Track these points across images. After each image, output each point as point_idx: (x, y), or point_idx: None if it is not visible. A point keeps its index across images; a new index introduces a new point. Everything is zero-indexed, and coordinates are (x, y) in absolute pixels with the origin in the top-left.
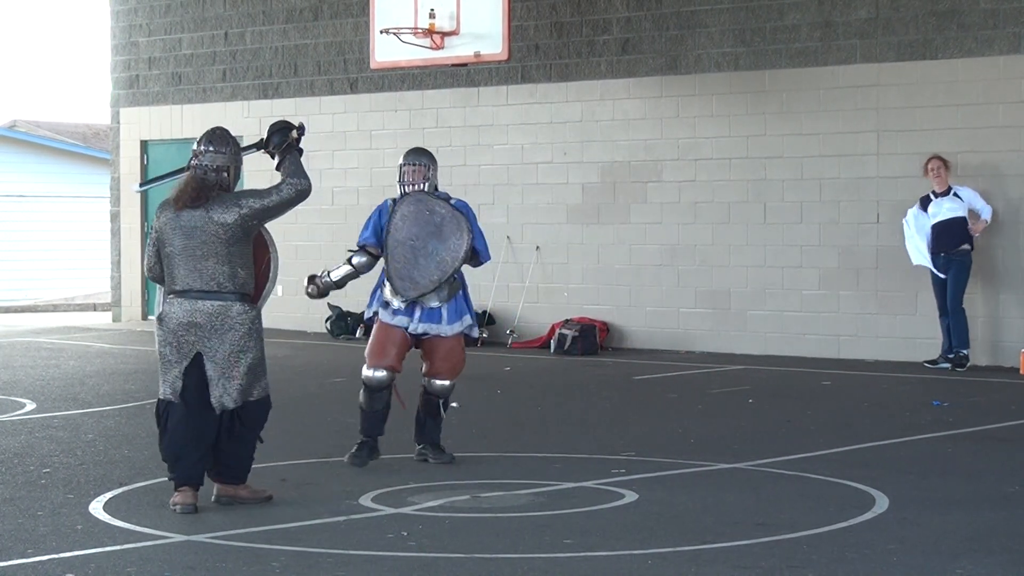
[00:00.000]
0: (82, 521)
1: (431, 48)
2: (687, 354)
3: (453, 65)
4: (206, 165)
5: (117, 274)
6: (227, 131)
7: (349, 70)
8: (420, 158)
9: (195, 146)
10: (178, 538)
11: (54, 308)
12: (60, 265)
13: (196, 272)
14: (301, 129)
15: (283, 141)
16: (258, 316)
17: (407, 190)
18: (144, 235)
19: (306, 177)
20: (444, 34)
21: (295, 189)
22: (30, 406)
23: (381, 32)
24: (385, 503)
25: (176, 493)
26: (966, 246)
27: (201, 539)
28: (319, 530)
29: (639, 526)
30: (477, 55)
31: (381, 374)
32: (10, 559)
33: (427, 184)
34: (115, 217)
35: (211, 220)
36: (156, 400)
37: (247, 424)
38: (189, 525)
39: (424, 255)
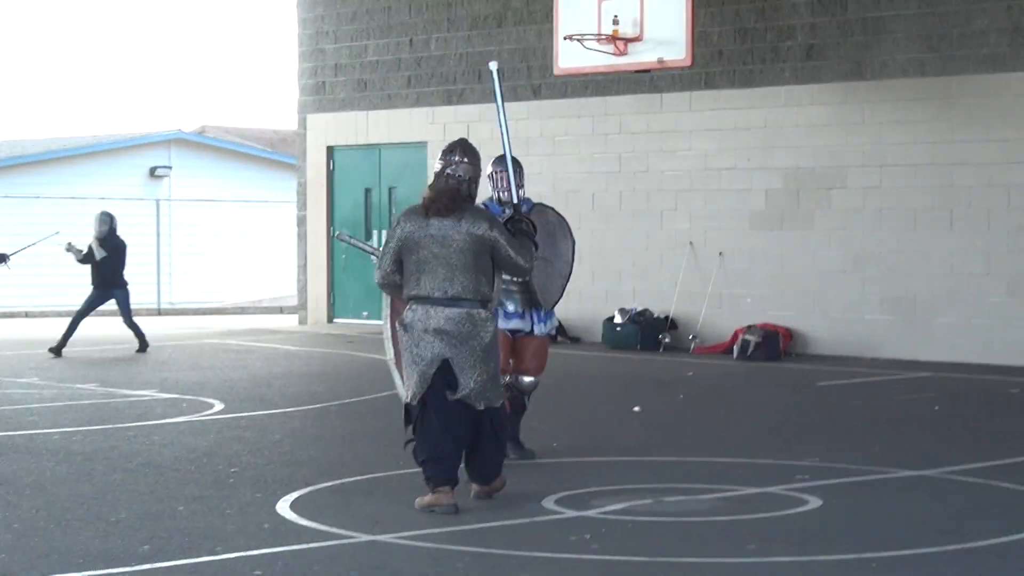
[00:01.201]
0: (269, 520)
1: (614, 54)
2: (871, 361)
3: (636, 71)
4: (459, 176)
5: (303, 277)
6: (471, 144)
7: (533, 76)
8: (515, 164)
9: (445, 155)
10: (363, 538)
11: (242, 311)
12: (247, 268)
13: (446, 280)
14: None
15: (521, 227)
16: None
17: (502, 196)
18: (330, 240)
19: (531, 263)
20: (628, 40)
21: (526, 263)
22: (218, 406)
23: (565, 39)
24: (568, 506)
25: (432, 495)
26: None
27: (386, 539)
28: (502, 532)
29: (823, 532)
30: (661, 61)
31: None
32: (199, 556)
33: (523, 190)
34: (302, 221)
35: (463, 230)
36: (404, 405)
37: (497, 426)
38: (374, 525)
39: (549, 264)
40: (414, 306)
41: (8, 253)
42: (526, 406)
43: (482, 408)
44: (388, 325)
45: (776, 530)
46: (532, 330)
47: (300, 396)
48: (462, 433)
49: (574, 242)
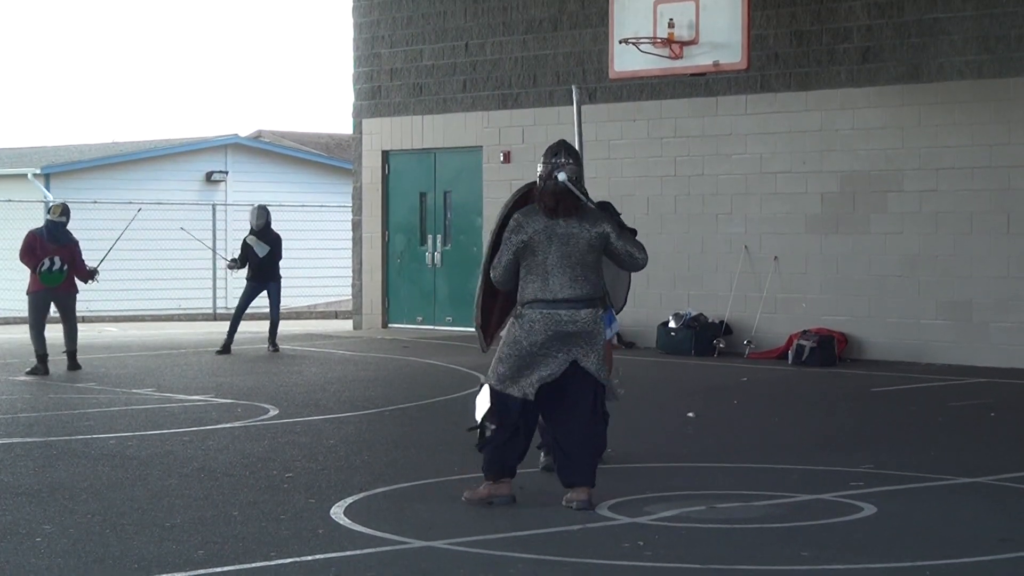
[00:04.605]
0: (323, 525)
1: (670, 58)
2: (927, 366)
3: (692, 75)
4: (567, 176)
5: (358, 282)
6: (572, 145)
7: (588, 80)
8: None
9: (550, 158)
10: (417, 544)
11: (296, 315)
12: (302, 273)
13: (572, 280)
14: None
15: (622, 224)
16: None
17: None
18: (385, 245)
19: (647, 256)
20: (683, 43)
21: (641, 255)
22: (273, 411)
23: (620, 42)
24: (621, 512)
25: (492, 484)
26: None
27: (440, 545)
28: (555, 538)
29: (878, 540)
30: (716, 64)
31: None
32: (253, 561)
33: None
34: (357, 226)
35: (585, 229)
36: (485, 386)
37: (598, 429)
38: (428, 531)
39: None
40: (539, 308)
41: (96, 267)
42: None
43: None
44: (478, 315)
45: (830, 537)
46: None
47: (355, 401)
48: (533, 427)
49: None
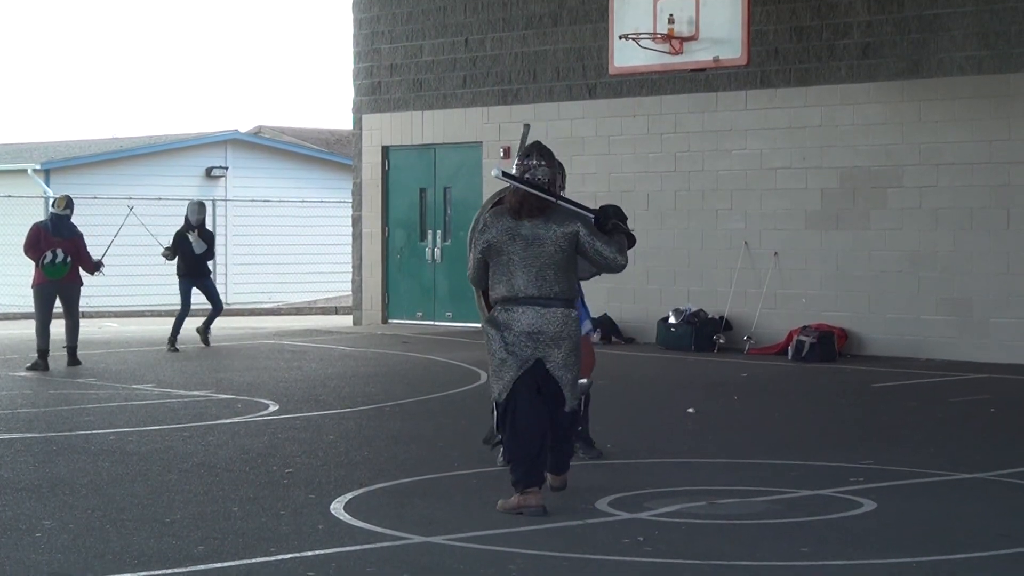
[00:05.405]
0: (323, 521)
1: (670, 53)
2: (927, 362)
3: (692, 70)
4: (539, 179)
5: (358, 278)
6: (546, 146)
7: (588, 75)
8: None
9: (523, 160)
10: (417, 539)
11: (296, 311)
12: (302, 269)
13: (538, 280)
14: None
15: (616, 225)
16: None
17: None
18: (385, 240)
19: (626, 258)
20: (683, 39)
21: (619, 255)
22: (273, 407)
23: (620, 38)
24: (621, 508)
25: (520, 496)
26: None
27: (439, 541)
28: (555, 534)
29: (878, 535)
30: (716, 60)
31: None
32: (253, 557)
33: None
34: (356, 222)
35: (552, 229)
36: (493, 403)
37: (575, 422)
38: (428, 527)
39: None
40: (507, 307)
41: (101, 259)
42: (582, 408)
43: (567, 409)
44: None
45: (830, 533)
46: None
47: (355, 397)
48: (547, 432)
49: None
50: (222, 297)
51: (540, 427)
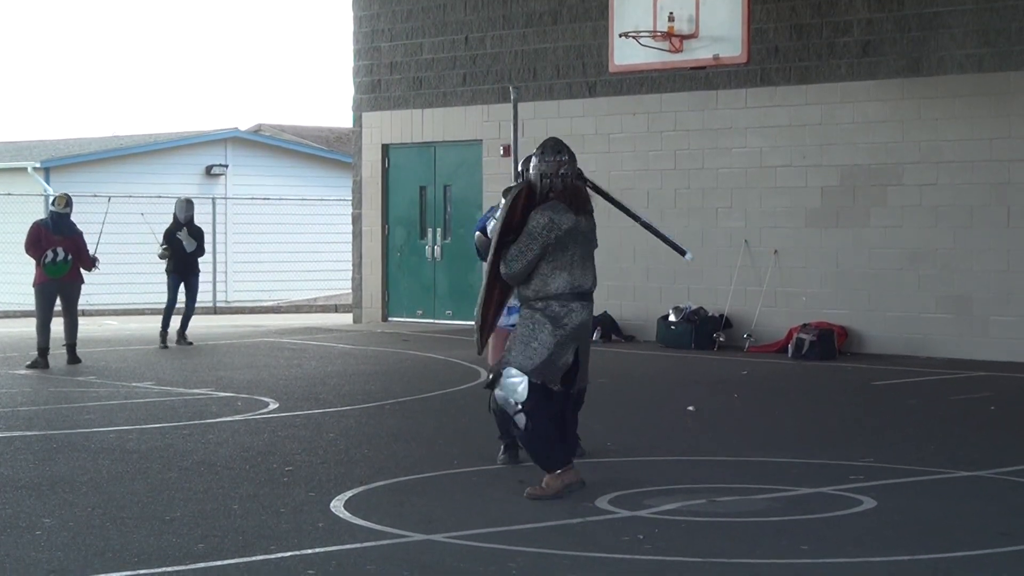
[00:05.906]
0: (323, 519)
1: (670, 51)
2: (927, 359)
3: (692, 68)
4: (573, 174)
5: (358, 276)
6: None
7: (588, 73)
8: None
9: (555, 156)
10: (417, 537)
11: (296, 309)
12: (303, 267)
13: (591, 273)
14: None
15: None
16: None
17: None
18: (385, 238)
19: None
20: (683, 37)
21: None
22: (273, 405)
23: (620, 36)
24: (621, 505)
25: (562, 475)
26: None
27: (440, 539)
28: (556, 531)
29: (878, 533)
30: (716, 58)
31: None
32: (253, 555)
33: None
34: (357, 220)
35: (591, 224)
36: (503, 365)
37: (581, 401)
38: (428, 524)
39: None
40: (565, 301)
41: (94, 255)
42: None
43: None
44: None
45: (830, 531)
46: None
47: (355, 395)
48: (567, 411)
49: None
50: (222, 295)
51: (561, 410)
